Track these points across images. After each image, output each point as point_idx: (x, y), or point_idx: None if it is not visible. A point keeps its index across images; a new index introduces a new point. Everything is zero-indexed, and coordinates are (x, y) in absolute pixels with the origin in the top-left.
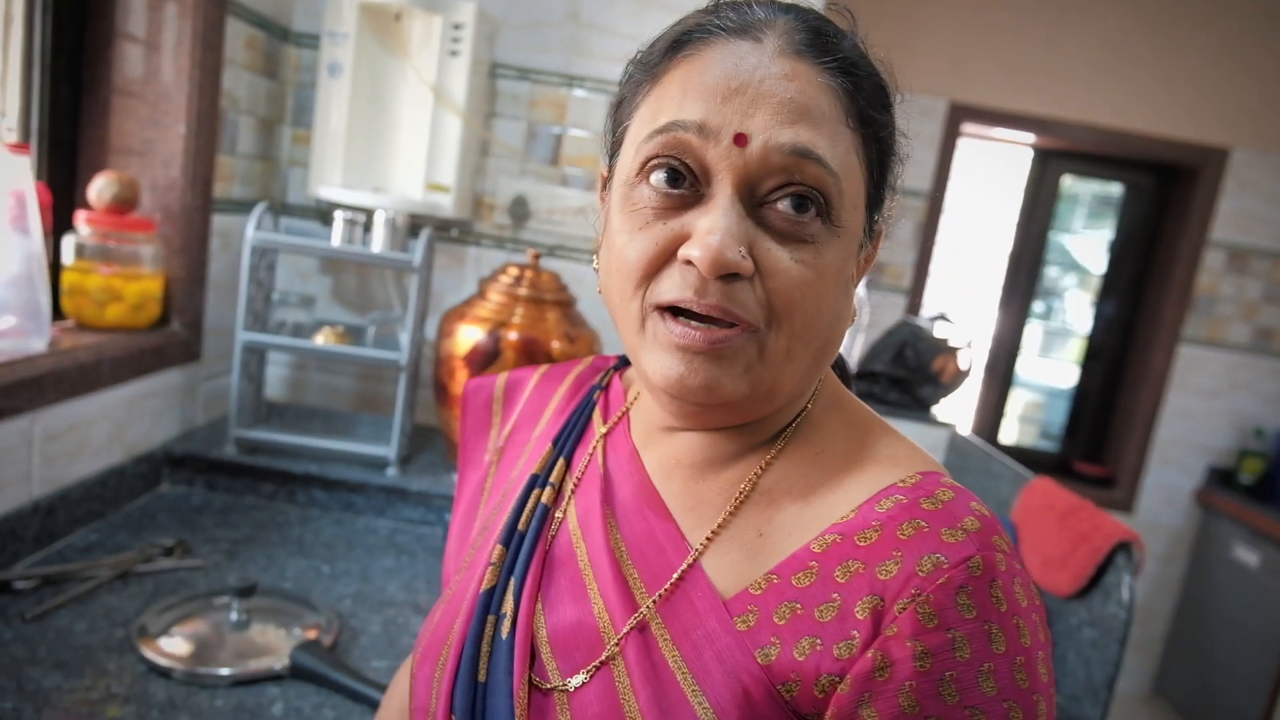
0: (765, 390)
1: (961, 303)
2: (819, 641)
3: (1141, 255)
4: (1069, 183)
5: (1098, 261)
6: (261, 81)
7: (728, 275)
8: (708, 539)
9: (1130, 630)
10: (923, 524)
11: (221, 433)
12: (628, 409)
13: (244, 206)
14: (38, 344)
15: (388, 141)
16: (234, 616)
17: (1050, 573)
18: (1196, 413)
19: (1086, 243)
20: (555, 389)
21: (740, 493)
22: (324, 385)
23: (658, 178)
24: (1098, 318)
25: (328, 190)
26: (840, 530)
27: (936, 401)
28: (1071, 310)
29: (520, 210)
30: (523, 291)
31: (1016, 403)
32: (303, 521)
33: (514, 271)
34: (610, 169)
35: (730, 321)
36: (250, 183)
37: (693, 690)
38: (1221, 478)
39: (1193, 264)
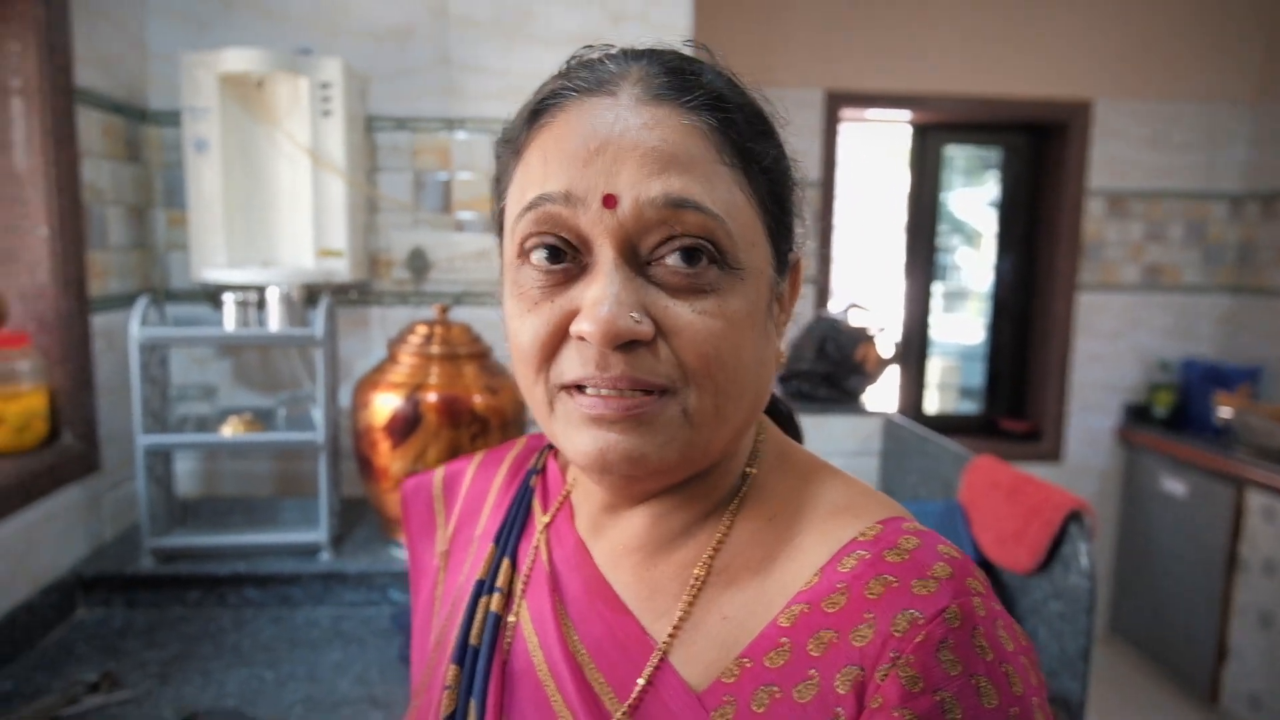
0: (699, 454)
1: (868, 282)
2: None
3: (1027, 212)
4: (949, 150)
5: (980, 217)
6: (125, 168)
7: (628, 344)
8: (671, 634)
9: (1095, 598)
10: (891, 579)
11: (135, 545)
12: (567, 494)
13: (125, 301)
14: None
15: (270, 212)
16: None
17: (1007, 550)
18: (1104, 355)
19: (966, 202)
20: (493, 477)
21: (696, 577)
22: (239, 473)
23: (538, 256)
24: (998, 276)
25: (213, 272)
26: (806, 599)
27: (864, 391)
28: (964, 268)
29: (419, 263)
30: (435, 349)
31: (932, 370)
32: (237, 626)
33: (423, 330)
34: (501, 247)
35: (644, 389)
36: (128, 275)
37: None
38: (1138, 414)
39: (1076, 214)
